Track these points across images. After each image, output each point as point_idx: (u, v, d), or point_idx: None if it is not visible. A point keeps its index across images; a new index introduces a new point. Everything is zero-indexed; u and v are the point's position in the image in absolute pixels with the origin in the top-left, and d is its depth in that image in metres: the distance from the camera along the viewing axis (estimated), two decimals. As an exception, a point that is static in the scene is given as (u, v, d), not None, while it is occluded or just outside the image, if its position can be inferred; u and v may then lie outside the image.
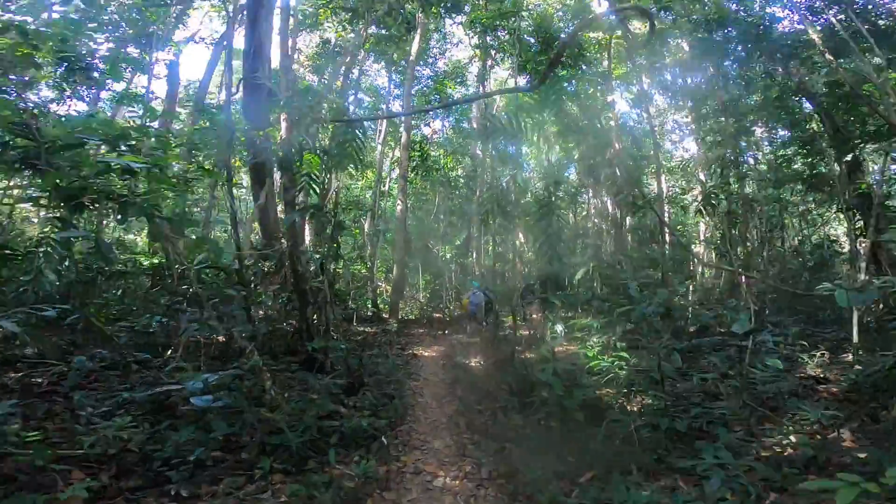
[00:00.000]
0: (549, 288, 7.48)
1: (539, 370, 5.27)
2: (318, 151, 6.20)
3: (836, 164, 13.59)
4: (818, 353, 7.39)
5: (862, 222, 11.62)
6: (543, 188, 13.26)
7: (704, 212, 11.79)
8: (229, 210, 5.53)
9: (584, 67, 16.37)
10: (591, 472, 3.69)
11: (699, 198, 17.06)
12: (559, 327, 5.79)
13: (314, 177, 6.18)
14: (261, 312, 9.39)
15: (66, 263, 7.15)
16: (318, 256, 6.92)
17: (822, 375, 6.89)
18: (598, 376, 4.78)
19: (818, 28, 11.34)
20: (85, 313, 5.18)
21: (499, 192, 12.88)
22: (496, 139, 7.69)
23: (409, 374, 7.27)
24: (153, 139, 3.83)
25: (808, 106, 13.25)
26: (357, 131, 6.47)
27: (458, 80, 19.57)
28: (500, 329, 9.68)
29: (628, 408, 4.26)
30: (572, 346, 6.86)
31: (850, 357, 7.85)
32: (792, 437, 4.28)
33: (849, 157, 10.94)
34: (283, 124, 7.59)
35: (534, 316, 12.15)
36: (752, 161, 16.03)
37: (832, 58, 10.23)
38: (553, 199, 7.66)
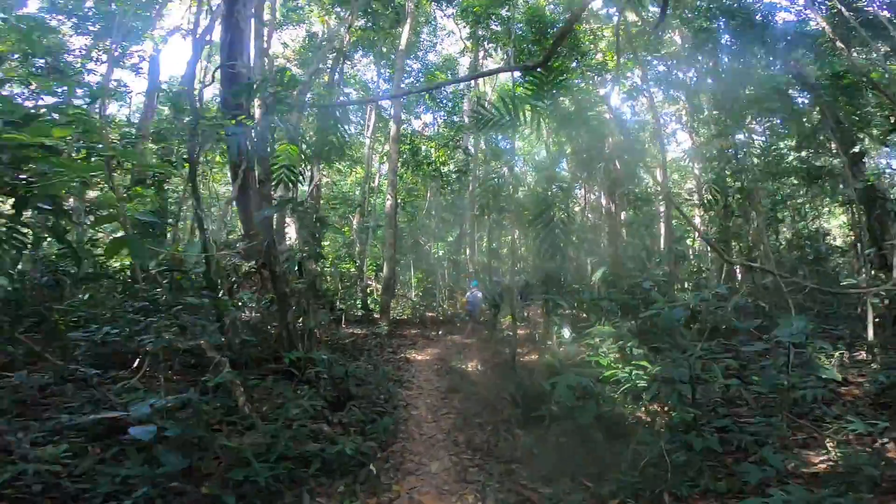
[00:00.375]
0: (550, 287, 6.97)
1: (544, 378, 4.75)
2: (296, 140, 5.62)
3: (834, 158, 13.36)
4: (836, 353, 6.96)
5: (866, 216, 11.30)
6: (541, 181, 12.77)
7: (708, 205, 11.35)
8: (194, 206, 4.94)
9: (578, 59, 15.87)
10: (614, 500, 3.17)
11: (694, 192, 16.73)
12: (566, 331, 5.20)
13: (293, 168, 5.60)
14: (244, 315, 8.79)
15: (20, 267, 6.53)
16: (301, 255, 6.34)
17: (842, 377, 6.46)
18: (612, 386, 4.27)
19: (824, 17, 10.97)
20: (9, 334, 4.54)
21: (493, 186, 12.38)
22: (489, 129, 7.16)
23: (401, 382, 6.70)
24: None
25: (802, 99, 12.95)
26: (340, 120, 5.91)
27: (450, 72, 19.02)
28: (497, 330, 9.18)
29: (651, 423, 3.75)
30: (578, 348, 6.35)
31: (864, 355, 7.45)
32: (834, 451, 3.81)
33: (856, 149, 10.59)
34: (258, 112, 6.94)
35: (529, 315, 11.65)
36: (746, 154, 15.74)
37: (843, 45, 9.82)
38: (552, 192, 7.19)
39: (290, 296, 5.44)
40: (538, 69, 4.55)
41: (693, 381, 3.49)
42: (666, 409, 3.53)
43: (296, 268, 5.39)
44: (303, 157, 5.64)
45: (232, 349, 5.69)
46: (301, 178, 5.95)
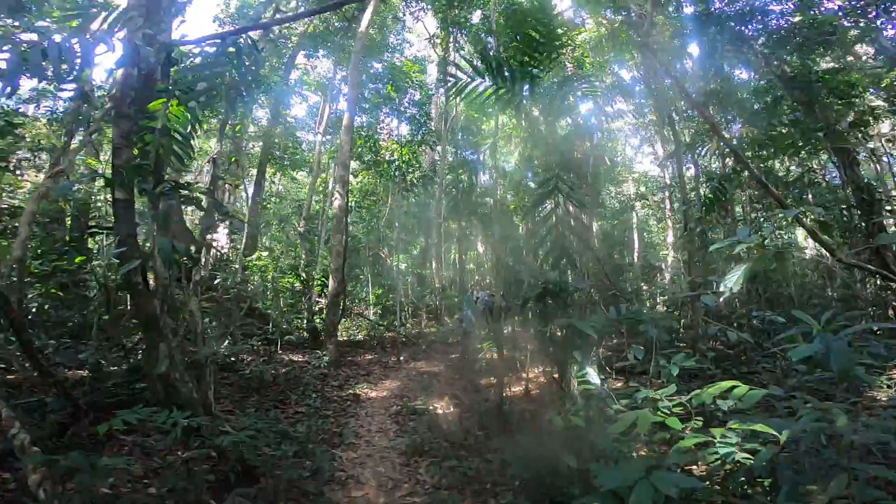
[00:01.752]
0: (549, 303, 5.28)
1: (567, 447, 2.99)
2: (174, 92, 3.72)
3: (813, 162, 12.77)
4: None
5: (863, 221, 10.48)
6: (510, 188, 11.30)
7: (709, 203, 10.24)
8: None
9: (556, 54, 14.69)
10: None
11: (666, 203, 15.79)
12: (592, 373, 3.33)
13: (175, 132, 3.72)
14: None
15: None
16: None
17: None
18: (693, 465, 2.55)
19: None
20: None
21: (462, 188, 10.93)
22: (465, 97, 5.50)
23: (342, 436, 4.74)
24: None
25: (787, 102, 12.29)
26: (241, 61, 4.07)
27: (418, 67, 17.54)
28: (473, 358, 7.42)
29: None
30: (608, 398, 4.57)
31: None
32: None
33: (859, 151, 9.73)
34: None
35: (513, 335, 10.01)
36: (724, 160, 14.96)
37: (858, 30, 8.89)
38: (555, 186, 5.65)
39: (161, 322, 3.49)
40: None
41: None
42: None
43: (140, 277, 3.42)
44: (189, 116, 3.77)
45: (69, 395, 3.67)
46: (191, 151, 4.07)
